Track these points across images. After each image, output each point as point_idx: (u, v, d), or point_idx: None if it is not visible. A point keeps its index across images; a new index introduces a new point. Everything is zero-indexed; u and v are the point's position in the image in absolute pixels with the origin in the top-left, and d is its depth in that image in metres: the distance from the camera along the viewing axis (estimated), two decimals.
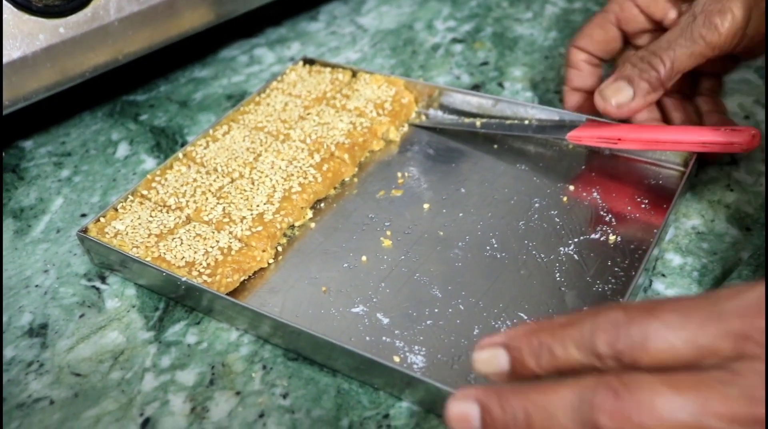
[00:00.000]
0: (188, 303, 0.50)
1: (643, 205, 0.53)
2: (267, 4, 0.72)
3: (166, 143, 0.65)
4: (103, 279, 0.53)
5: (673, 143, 0.53)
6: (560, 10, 0.78)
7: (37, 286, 0.53)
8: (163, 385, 0.46)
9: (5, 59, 0.56)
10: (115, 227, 0.52)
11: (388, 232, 0.53)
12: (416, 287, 0.49)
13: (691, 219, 0.53)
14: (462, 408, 0.33)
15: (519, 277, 0.49)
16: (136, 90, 0.73)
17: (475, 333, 0.46)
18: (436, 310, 0.47)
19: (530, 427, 0.31)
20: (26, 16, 0.57)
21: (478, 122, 0.61)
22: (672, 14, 0.56)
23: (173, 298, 0.51)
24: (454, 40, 0.75)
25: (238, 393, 0.45)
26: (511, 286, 0.49)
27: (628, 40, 0.59)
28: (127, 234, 0.52)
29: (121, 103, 0.71)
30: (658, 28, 0.57)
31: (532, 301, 0.47)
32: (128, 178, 0.62)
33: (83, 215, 0.59)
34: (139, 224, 0.52)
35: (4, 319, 0.51)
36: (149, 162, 0.64)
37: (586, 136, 0.56)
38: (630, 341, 0.31)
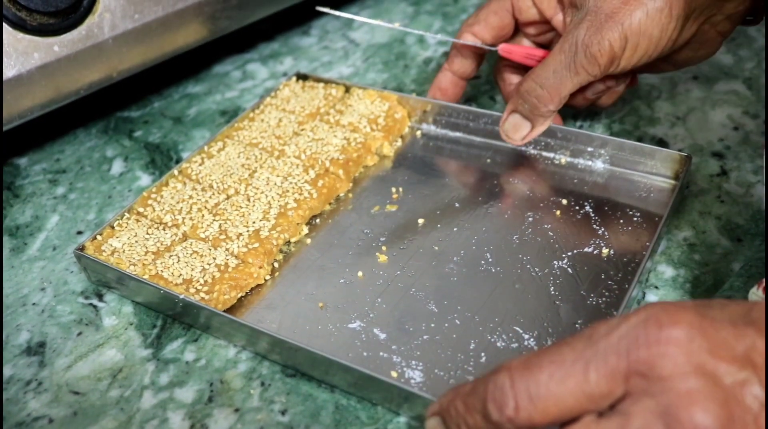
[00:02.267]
0: (186, 320, 0.50)
1: (635, 218, 0.54)
2: (259, 19, 0.72)
3: (161, 160, 0.66)
4: (100, 297, 0.53)
5: None
6: None
7: (34, 304, 0.53)
8: (162, 403, 0.46)
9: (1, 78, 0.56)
10: (112, 245, 0.53)
11: (384, 248, 0.54)
12: (412, 302, 0.50)
13: (682, 230, 0.54)
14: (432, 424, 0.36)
15: (514, 291, 0.50)
16: (130, 106, 0.73)
17: (471, 347, 0.46)
18: (432, 325, 0.48)
19: None
20: (21, 35, 0.57)
21: (396, 24, 0.65)
22: (559, 17, 0.58)
23: (171, 316, 0.51)
24: (446, 54, 0.75)
25: (236, 410, 0.45)
26: (506, 300, 0.49)
27: (518, 28, 0.61)
28: (124, 252, 0.52)
29: (116, 120, 0.71)
30: (547, 23, 0.59)
31: (527, 315, 0.48)
32: (123, 194, 0.62)
33: (79, 232, 0.59)
34: (136, 242, 0.53)
35: (3, 337, 0.51)
36: (144, 178, 0.64)
37: (516, 51, 0.60)
38: (518, 406, 0.32)
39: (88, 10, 0.60)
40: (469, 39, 0.61)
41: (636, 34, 0.51)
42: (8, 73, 0.57)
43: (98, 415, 0.45)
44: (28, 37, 0.58)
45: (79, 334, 0.51)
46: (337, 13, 0.64)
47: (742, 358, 0.30)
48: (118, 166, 0.66)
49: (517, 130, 0.57)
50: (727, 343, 0.30)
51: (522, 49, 0.60)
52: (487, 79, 0.72)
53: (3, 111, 0.58)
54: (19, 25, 0.57)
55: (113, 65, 0.63)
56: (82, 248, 0.52)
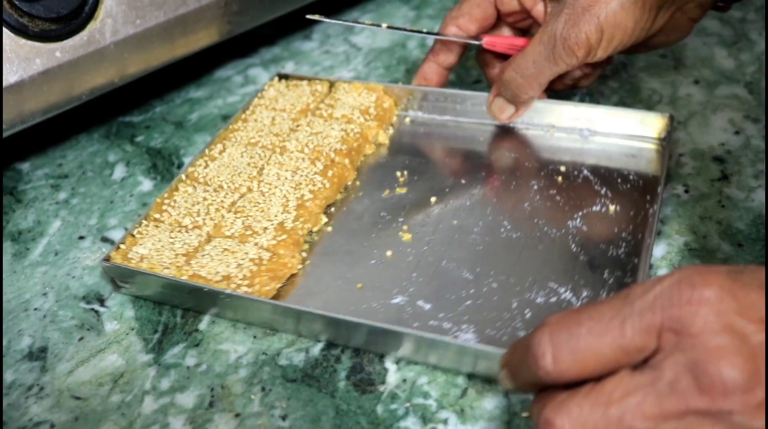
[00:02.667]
0: (228, 315, 0.51)
1: (631, 177, 0.58)
2: (261, 24, 0.72)
3: (163, 164, 0.66)
4: (101, 301, 0.53)
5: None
6: None
7: (36, 309, 0.53)
8: (163, 408, 0.46)
9: (3, 84, 0.57)
10: (138, 252, 0.52)
11: (405, 227, 0.56)
12: (446, 273, 0.52)
13: (683, 235, 0.54)
14: None
15: (539, 252, 0.53)
16: (132, 111, 0.73)
17: (514, 306, 0.49)
18: (471, 291, 0.50)
19: None
20: (23, 41, 0.58)
21: (384, 25, 0.66)
22: (539, 8, 0.60)
23: (214, 315, 0.51)
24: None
25: (237, 415, 0.45)
26: (534, 261, 0.52)
27: (499, 17, 0.63)
28: (152, 257, 0.52)
29: (118, 125, 0.72)
30: (527, 13, 0.61)
31: (557, 271, 0.51)
32: (125, 199, 0.62)
33: (81, 238, 0.59)
34: (162, 247, 0.53)
35: (4, 342, 0.51)
36: (146, 183, 0.64)
37: (499, 43, 0.62)
38: (556, 358, 0.34)
39: (90, 15, 0.60)
40: (453, 31, 0.63)
41: (611, 26, 0.54)
42: (10, 78, 0.57)
43: (99, 420, 0.46)
44: (29, 42, 0.58)
45: (81, 339, 0.51)
46: (326, 20, 0.66)
47: None
48: (120, 171, 0.66)
49: (502, 112, 0.62)
50: (755, 305, 0.32)
51: (504, 40, 0.62)
52: (488, 82, 0.72)
53: (5, 116, 0.58)
54: (21, 31, 0.57)
55: (115, 70, 0.63)
56: (108, 259, 0.52)
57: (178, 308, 0.52)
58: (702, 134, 0.63)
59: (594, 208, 0.55)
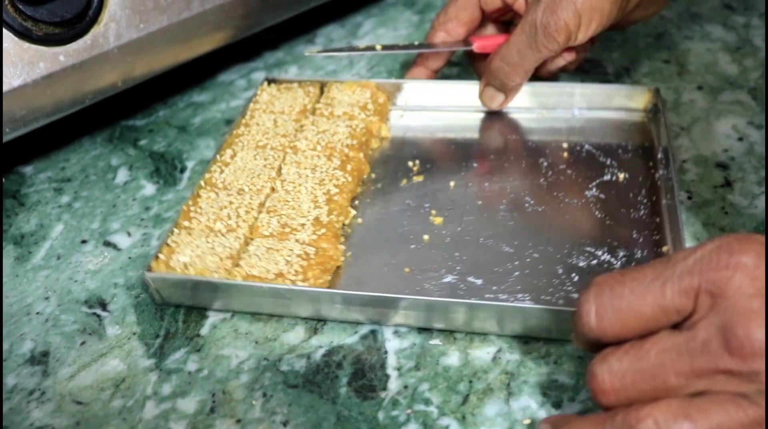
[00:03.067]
0: (290, 312, 0.51)
1: (629, 146, 0.62)
2: (265, 29, 0.73)
3: (166, 169, 0.66)
4: (103, 306, 0.53)
5: None
6: None
7: (38, 313, 0.53)
8: (164, 413, 0.46)
9: (5, 88, 0.57)
10: (179, 261, 0.52)
11: (433, 212, 0.57)
12: (487, 248, 0.54)
13: (686, 242, 0.54)
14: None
15: (567, 222, 0.56)
16: (135, 115, 0.73)
17: (560, 272, 0.51)
18: (516, 263, 0.52)
19: None
20: (26, 45, 0.58)
21: (378, 47, 0.69)
22: (520, 1, 0.63)
23: (277, 315, 0.51)
24: (450, 63, 0.76)
25: (238, 421, 0.45)
26: (566, 229, 0.55)
27: (484, 17, 0.67)
28: (196, 264, 0.51)
29: (121, 128, 0.72)
30: (509, 8, 0.65)
31: (590, 236, 0.54)
32: (128, 203, 0.62)
33: (83, 241, 0.59)
34: (202, 252, 0.52)
35: (6, 346, 0.51)
36: (149, 187, 0.64)
37: (489, 45, 0.66)
38: (600, 315, 0.37)
39: (94, 19, 0.60)
40: (442, 37, 0.66)
41: (588, 10, 0.57)
42: (14, 82, 0.57)
43: (101, 425, 0.46)
44: (33, 46, 0.58)
45: (83, 343, 0.51)
46: (328, 53, 0.72)
47: None
48: (122, 175, 0.66)
49: (492, 100, 0.65)
50: None
51: (493, 41, 0.65)
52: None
53: (9, 120, 0.58)
54: (25, 35, 0.57)
55: (119, 74, 0.63)
56: (149, 269, 0.51)
57: (190, 309, 0.52)
58: (705, 140, 0.63)
59: (605, 178, 0.59)
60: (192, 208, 0.56)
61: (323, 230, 0.54)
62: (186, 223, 0.55)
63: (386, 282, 0.52)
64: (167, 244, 0.53)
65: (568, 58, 0.64)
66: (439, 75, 0.71)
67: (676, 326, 0.36)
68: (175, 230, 0.54)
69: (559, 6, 0.57)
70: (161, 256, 0.52)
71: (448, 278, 0.52)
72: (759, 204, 0.56)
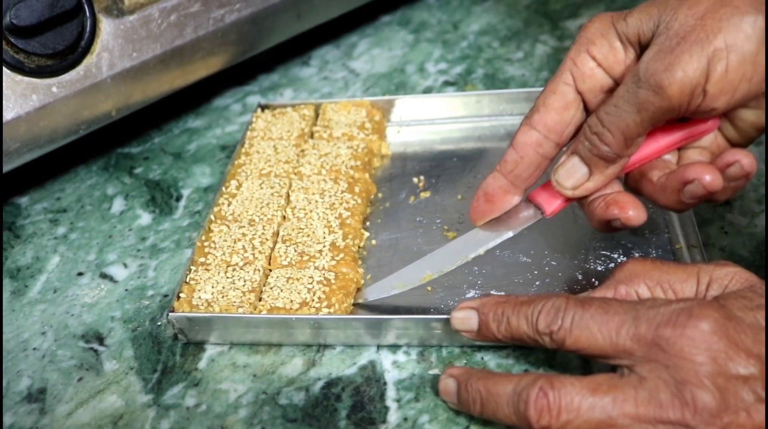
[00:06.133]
0: (316, 342, 0.50)
1: None
2: (258, 53, 0.72)
3: (161, 197, 0.66)
4: (100, 340, 0.53)
5: (651, 154, 0.48)
6: (551, 49, 0.79)
7: (35, 348, 0.53)
8: None
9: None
10: (201, 298, 0.51)
11: (446, 227, 0.58)
12: (505, 261, 0.54)
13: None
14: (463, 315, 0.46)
15: (578, 226, 0.56)
16: (131, 142, 0.73)
17: (579, 278, 0.52)
18: (536, 273, 0.53)
19: (483, 407, 0.42)
20: (19, 77, 0.57)
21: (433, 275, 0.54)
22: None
23: (308, 345, 0.51)
24: (446, 83, 0.75)
25: None
26: (578, 235, 0.55)
27: (587, 108, 0.49)
28: (218, 301, 0.51)
29: (116, 156, 0.71)
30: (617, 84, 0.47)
31: (602, 240, 0.54)
32: (124, 234, 0.62)
33: (80, 274, 0.59)
34: (223, 288, 0.52)
35: (3, 384, 0.51)
36: (144, 217, 0.64)
37: (560, 204, 0.49)
38: (561, 326, 0.41)
39: (86, 50, 0.60)
40: (524, 137, 0.49)
41: (722, 50, 0.41)
42: (7, 115, 0.57)
43: None
44: (26, 79, 0.58)
45: (80, 379, 0.51)
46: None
47: (756, 357, 0.37)
48: (118, 205, 0.66)
49: (570, 176, 0.47)
50: (743, 343, 0.37)
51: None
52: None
53: (3, 153, 0.58)
54: (17, 68, 0.57)
55: (112, 104, 0.63)
56: (173, 310, 0.51)
57: (187, 343, 0.52)
58: None
59: None
60: (206, 244, 0.56)
61: (341, 255, 0.54)
62: (202, 260, 0.54)
63: (410, 302, 0.52)
64: (186, 283, 0.53)
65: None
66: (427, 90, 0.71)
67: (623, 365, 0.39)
68: (192, 267, 0.54)
69: (677, 48, 0.42)
70: (182, 295, 0.52)
71: (471, 293, 0.52)
72: (759, 223, 0.56)
